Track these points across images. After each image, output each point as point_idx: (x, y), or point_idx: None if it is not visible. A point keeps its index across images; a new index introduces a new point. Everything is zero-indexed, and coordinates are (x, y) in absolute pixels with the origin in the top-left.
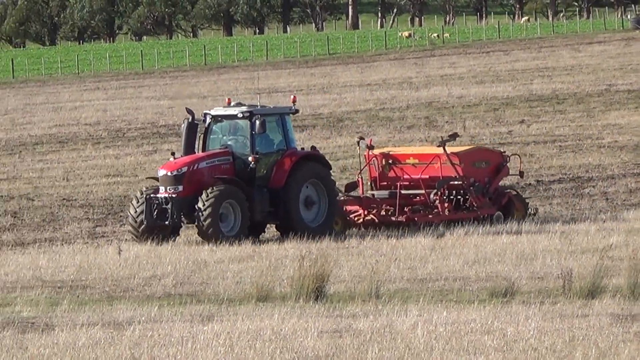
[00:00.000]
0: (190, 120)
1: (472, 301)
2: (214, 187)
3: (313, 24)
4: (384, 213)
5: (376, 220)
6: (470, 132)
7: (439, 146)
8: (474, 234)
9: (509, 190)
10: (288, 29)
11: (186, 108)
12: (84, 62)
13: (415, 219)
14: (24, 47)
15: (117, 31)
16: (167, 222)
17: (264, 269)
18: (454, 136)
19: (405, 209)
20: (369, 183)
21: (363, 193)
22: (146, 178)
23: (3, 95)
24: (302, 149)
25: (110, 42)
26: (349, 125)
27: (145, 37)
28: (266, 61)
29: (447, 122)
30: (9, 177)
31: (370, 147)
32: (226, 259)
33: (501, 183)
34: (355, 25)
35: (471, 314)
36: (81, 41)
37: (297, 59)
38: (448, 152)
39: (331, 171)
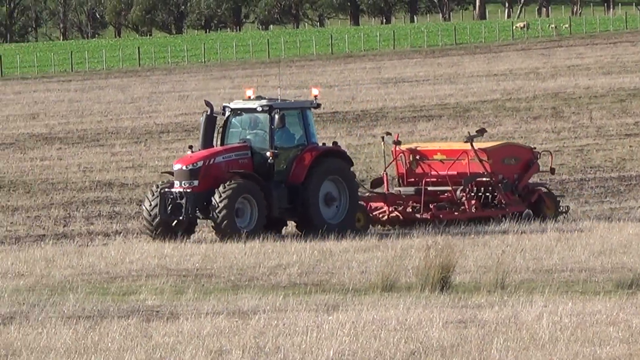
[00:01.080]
0: (208, 113)
1: (597, 292)
2: (231, 182)
3: (440, 13)
4: (410, 210)
5: (401, 217)
6: (596, 123)
7: (466, 142)
8: (600, 226)
9: (539, 188)
10: (415, 18)
11: (205, 100)
12: (210, 51)
13: (440, 216)
14: (150, 35)
15: (244, 20)
16: (181, 217)
17: (389, 259)
18: (481, 131)
19: (430, 206)
20: (396, 179)
21: (388, 189)
22: (161, 173)
23: (129, 83)
24: (324, 144)
25: (236, 31)
26: (475, 115)
27: (271, 26)
28: (393, 51)
29: (573, 112)
30: (134, 166)
31: (397, 143)
32: (352, 248)
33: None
34: (482, 16)
35: (596, 305)
36: (207, 30)
37: (424, 49)
38: (476, 147)
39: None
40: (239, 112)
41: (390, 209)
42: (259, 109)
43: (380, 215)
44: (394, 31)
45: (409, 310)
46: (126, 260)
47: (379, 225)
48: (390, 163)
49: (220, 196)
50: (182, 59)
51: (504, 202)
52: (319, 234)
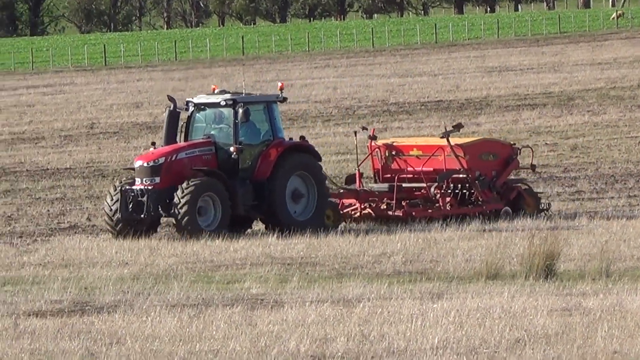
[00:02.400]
0: (171, 108)
1: None
2: (192, 180)
3: (544, 2)
4: (385, 207)
5: (373, 215)
6: None
7: (442, 137)
8: None
9: (518, 184)
10: (519, 7)
11: (168, 96)
12: (314, 40)
13: (413, 213)
14: (254, 24)
15: (348, 9)
16: (142, 216)
17: (493, 247)
18: (458, 127)
19: (403, 203)
20: (372, 175)
21: (360, 186)
22: (123, 169)
23: (233, 72)
24: (291, 139)
25: (340, 19)
26: (580, 104)
27: (375, 15)
28: (497, 40)
29: None
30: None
31: (373, 138)
32: (456, 236)
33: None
34: (586, 4)
35: None
36: (311, 19)
37: (528, 38)
38: (452, 143)
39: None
40: (202, 107)
41: (362, 206)
42: (223, 103)
43: (352, 212)
44: (498, 20)
45: (514, 298)
46: (230, 249)
47: (352, 223)
48: (365, 159)
49: (182, 193)
50: (286, 48)
51: (480, 200)
52: (423, 222)
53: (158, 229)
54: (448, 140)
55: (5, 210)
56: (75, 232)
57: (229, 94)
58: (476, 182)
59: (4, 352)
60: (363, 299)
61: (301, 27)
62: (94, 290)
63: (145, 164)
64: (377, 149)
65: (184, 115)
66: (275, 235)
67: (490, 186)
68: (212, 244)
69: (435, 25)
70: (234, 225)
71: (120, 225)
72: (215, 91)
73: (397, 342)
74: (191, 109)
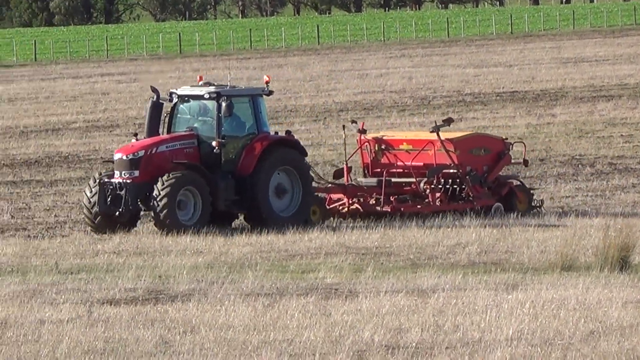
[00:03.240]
0: (154, 99)
1: None
2: (173, 173)
3: None
4: (374, 202)
5: (361, 210)
6: None
7: (432, 131)
8: None
9: (510, 180)
10: None
11: (151, 86)
12: (389, 30)
13: (402, 209)
14: (329, 14)
15: None
16: (120, 209)
17: (568, 239)
18: (448, 121)
19: (391, 199)
20: (362, 170)
21: (348, 181)
22: (102, 162)
23: (308, 61)
24: (276, 133)
25: (416, 9)
26: None
27: (451, 5)
28: (572, 31)
29: None
30: (313, 144)
31: (363, 131)
32: (530, 227)
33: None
34: None
35: None
36: (387, 8)
37: (604, 29)
38: (442, 138)
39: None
40: (186, 98)
41: (350, 201)
42: (207, 96)
43: (340, 208)
44: (573, 11)
45: (588, 289)
46: (305, 239)
47: (341, 218)
48: (354, 152)
49: (162, 186)
50: (361, 38)
51: (471, 195)
52: (494, 214)
53: (137, 224)
54: (438, 135)
55: (80, 198)
56: (150, 220)
57: (214, 87)
58: (467, 177)
59: (78, 339)
60: (437, 289)
61: (376, 17)
62: (168, 278)
63: (124, 157)
64: (366, 143)
65: (167, 107)
66: (350, 225)
67: (482, 181)
68: (286, 233)
69: (511, 15)
70: (216, 219)
71: (98, 218)
72: (200, 83)
73: (472, 332)
74: (175, 100)
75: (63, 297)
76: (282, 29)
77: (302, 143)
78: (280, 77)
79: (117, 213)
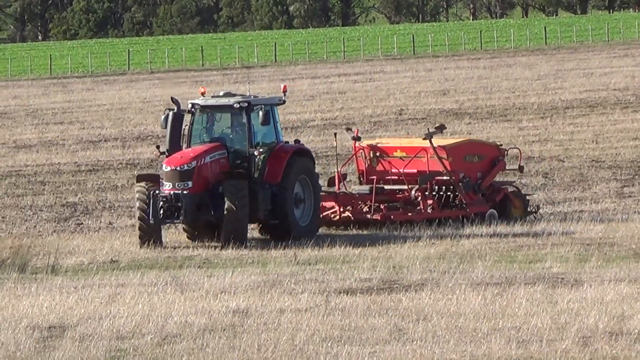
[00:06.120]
0: (175, 111)
1: None
2: (238, 183)
3: None
4: (367, 210)
5: (352, 218)
6: None
7: (424, 139)
8: None
9: (505, 187)
10: None
11: (171, 98)
12: (613, 30)
13: (392, 217)
14: (556, 15)
15: None
16: (180, 219)
17: None
18: (440, 128)
19: (381, 207)
20: (357, 177)
21: (339, 188)
22: (137, 175)
23: (536, 61)
24: (287, 142)
25: (639, 11)
26: None
27: None
28: None
29: None
30: (540, 140)
31: (357, 139)
32: None
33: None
34: None
35: None
36: (611, 10)
37: None
38: (435, 145)
39: None
40: (208, 109)
41: (341, 209)
42: (237, 105)
43: (332, 216)
44: None
45: None
46: (532, 230)
47: (334, 227)
48: (348, 160)
49: (233, 196)
50: (586, 38)
51: (464, 202)
52: None
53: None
54: (431, 142)
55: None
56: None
57: (239, 97)
58: (460, 184)
59: (316, 327)
60: None
61: (601, 18)
62: (401, 269)
63: (177, 169)
64: (361, 150)
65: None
66: (576, 217)
67: (475, 188)
68: (515, 225)
69: None
70: (210, 229)
71: (152, 231)
72: (221, 93)
73: None
74: (197, 112)
75: (301, 287)
76: (511, 30)
77: (530, 139)
78: (509, 77)
79: (173, 224)
